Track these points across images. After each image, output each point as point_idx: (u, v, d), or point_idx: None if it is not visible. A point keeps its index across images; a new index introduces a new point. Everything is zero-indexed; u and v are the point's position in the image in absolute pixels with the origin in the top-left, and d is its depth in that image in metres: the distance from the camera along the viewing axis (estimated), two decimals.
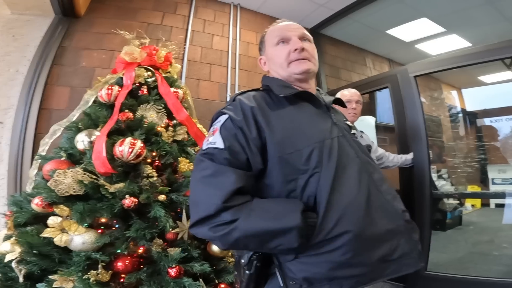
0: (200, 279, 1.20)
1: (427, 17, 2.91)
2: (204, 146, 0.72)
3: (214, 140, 0.70)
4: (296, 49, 0.80)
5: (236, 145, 0.69)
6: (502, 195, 2.48)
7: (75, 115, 1.51)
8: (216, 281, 1.28)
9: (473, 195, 2.54)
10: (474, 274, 2.12)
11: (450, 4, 2.70)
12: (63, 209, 1.13)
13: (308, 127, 0.74)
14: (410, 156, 2.02)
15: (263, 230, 0.62)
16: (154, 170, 1.27)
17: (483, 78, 4.71)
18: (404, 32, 3.18)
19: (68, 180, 1.15)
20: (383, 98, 3.21)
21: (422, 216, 1.98)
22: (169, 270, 1.14)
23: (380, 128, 3.35)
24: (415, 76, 2.13)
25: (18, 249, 1.10)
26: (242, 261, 0.71)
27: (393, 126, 2.28)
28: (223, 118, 0.73)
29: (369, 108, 3.38)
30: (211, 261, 1.28)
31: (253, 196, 0.68)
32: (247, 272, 0.70)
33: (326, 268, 0.63)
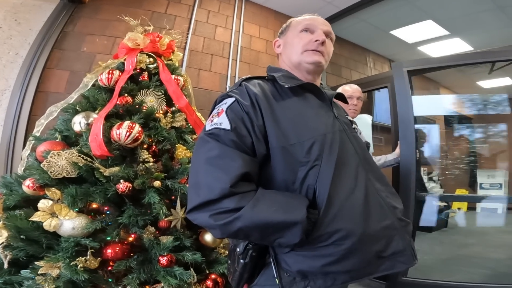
0: (191, 269, 1.18)
1: (433, 19, 2.90)
2: (208, 127, 0.69)
3: (220, 121, 0.68)
4: (317, 40, 0.80)
5: (243, 128, 0.67)
6: (486, 199, 2.50)
7: (73, 97, 1.49)
8: (207, 272, 1.27)
9: (459, 198, 2.54)
10: (458, 276, 2.15)
11: (459, 8, 2.68)
12: (54, 192, 1.11)
13: (311, 119, 0.73)
14: (391, 156, 1.93)
15: (269, 221, 0.60)
16: (151, 156, 1.24)
17: (481, 83, 4.76)
18: (408, 33, 3.17)
19: (62, 162, 1.12)
20: (382, 98, 3.21)
21: (406, 217, 1.96)
22: (160, 259, 1.13)
23: (376, 128, 3.35)
24: (408, 71, 2.07)
25: (5, 234, 1.07)
26: (238, 250, 0.69)
27: (389, 126, 2.27)
28: (229, 101, 0.71)
29: (367, 107, 3.38)
30: (203, 251, 1.26)
31: (256, 185, 0.66)
32: (241, 261, 0.68)
33: (322, 262, 0.62)
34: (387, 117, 2.37)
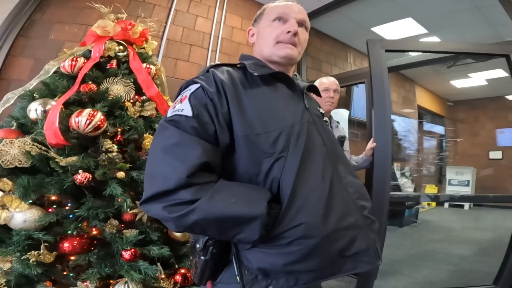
0: (158, 263, 1.14)
1: (413, 18, 2.94)
2: (170, 113, 0.65)
3: (181, 107, 0.64)
4: (289, 32, 0.76)
5: (205, 115, 0.63)
6: (455, 199, 2.56)
7: (32, 84, 1.40)
8: (177, 266, 1.23)
9: (428, 198, 2.57)
10: (425, 272, 2.23)
11: (439, 7, 2.73)
12: (6, 183, 1.03)
13: (279, 109, 0.70)
14: (359, 160, 1.73)
15: (226, 215, 0.57)
16: (115, 145, 1.18)
17: (454, 82, 4.93)
18: (388, 30, 3.20)
19: (14, 150, 1.04)
20: (360, 94, 3.25)
21: (377, 215, 1.91)
22: (123, 253, 1.08)
23: (353, 123, 3.40)
24: (386, 51, 1.88)
25: None
26: (197, 246, 0.66)
27: (365, 122, 2.28)
28: (194, 87, 0.68)
29: (344, 102, 3.42)
30: (172, 245, 1.22)
31: (218, 176, 0.63)
32: (202, 258, 0.65)
33: (284, 260, 0.60)
34: (364, 112, 2.39)
